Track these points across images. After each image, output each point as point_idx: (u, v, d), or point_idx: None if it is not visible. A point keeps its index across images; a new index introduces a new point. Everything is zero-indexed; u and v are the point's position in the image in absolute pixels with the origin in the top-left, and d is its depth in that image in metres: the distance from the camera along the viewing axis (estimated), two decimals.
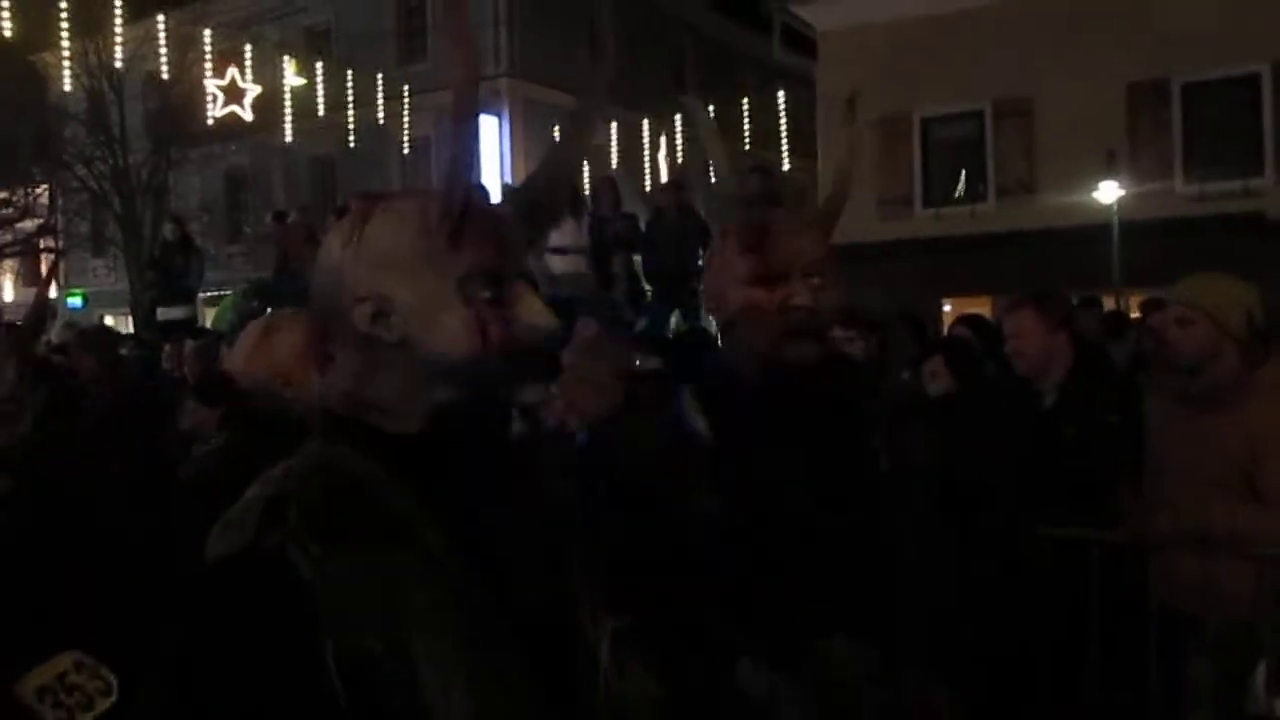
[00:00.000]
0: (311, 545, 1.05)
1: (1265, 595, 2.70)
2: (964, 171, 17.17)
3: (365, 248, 1.19)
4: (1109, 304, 10.37)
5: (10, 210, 25.95)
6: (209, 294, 12.09)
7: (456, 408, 1.17)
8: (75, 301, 27.21)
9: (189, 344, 6.71)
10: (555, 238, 8.41)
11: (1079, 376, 3.37)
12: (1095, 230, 14.16)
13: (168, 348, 7.36)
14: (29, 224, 26.31)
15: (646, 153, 21.83)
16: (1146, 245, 12.94)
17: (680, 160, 21.00)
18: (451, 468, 1.17)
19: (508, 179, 21.73)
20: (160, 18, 16.85)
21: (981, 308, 10.20)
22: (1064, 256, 12.79)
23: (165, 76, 17.84)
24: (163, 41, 16.89)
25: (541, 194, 1.34)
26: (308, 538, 1.06)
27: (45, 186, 25.72)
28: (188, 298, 10.35)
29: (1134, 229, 13.88)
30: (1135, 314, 10.11)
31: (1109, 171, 14.66)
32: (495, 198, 8.88)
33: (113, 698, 1.71)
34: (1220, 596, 2.78)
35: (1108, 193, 14.63)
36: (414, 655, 1.04)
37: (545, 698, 1.12)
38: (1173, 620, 2.92)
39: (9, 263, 29.02)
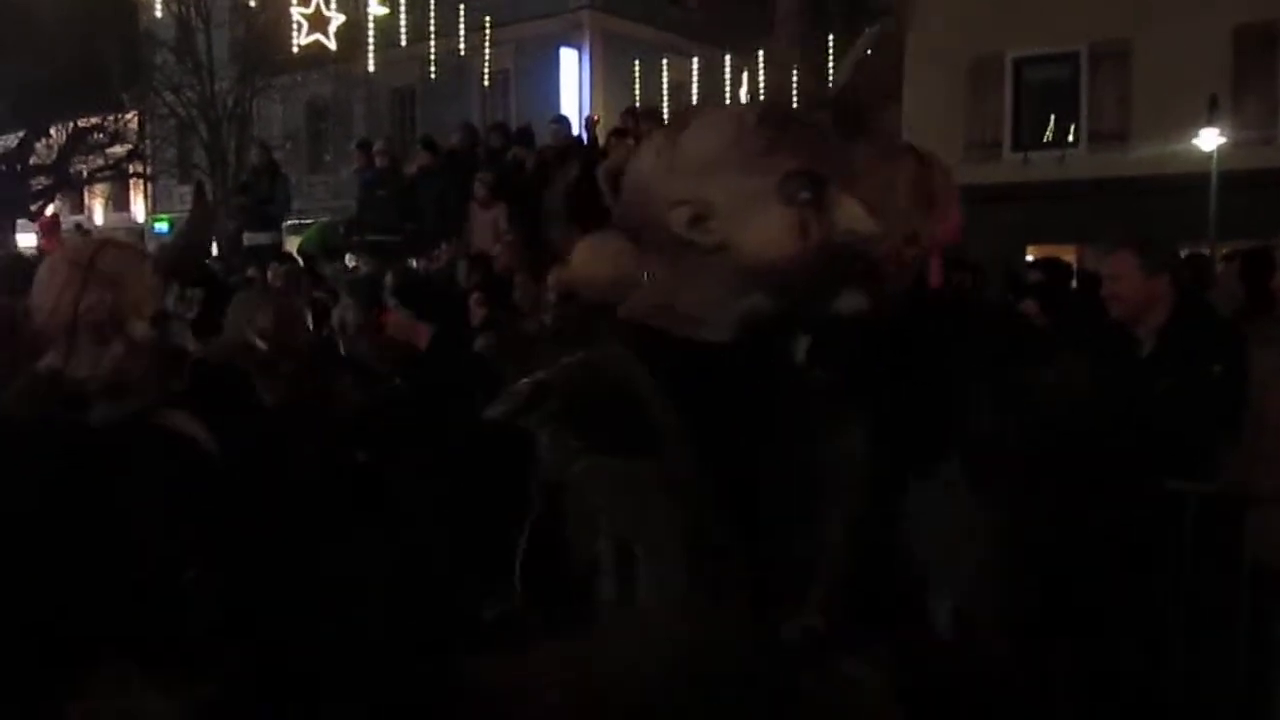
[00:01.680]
0: (566, 435, 1.09)
1: None
2: (1054, 116, 16.66)
3: (681, 155, 1.18)
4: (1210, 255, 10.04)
5: (101, 135, 26.54)
6: (290, 222, 12.24)
7: (771, 316, 1.16)
8: (162, 227, 27.85)
9: (275, 267, 6.84)
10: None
11: (1179, 324, 3.26)
12: (1192, 180, 13.67)
13: None
14: (119, 149, 26.89)
15: (728, 89, 21.49)
16: (1246, 196, 12.46)
17: (762, 97, 20.64)
18: (742, 380, 1.16)
19: (587, 111, 21.59)
20: None
21: (1069, 256, 9.95)
22: (1159, 206, 12.37)
23: (252, 3, 17.98)
24: None
25: (858, 97, 1.35)
26: (564, 427, 1.09)
27: (135, 113, 26.22)
28: (274, 223, 10.51)
29: (1233, 179, 13.37)
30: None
31: (1210, 118, 14.09)
32: (575, 129, 8.85)
33: None
34: None
35: (1208, 140, 14.09)
36: (638, 570, 1.07)
37: (757, 646, 1.12)
38: (1265, 578, 2.85)
39: (100, 187, 29.75)
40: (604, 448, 1.08)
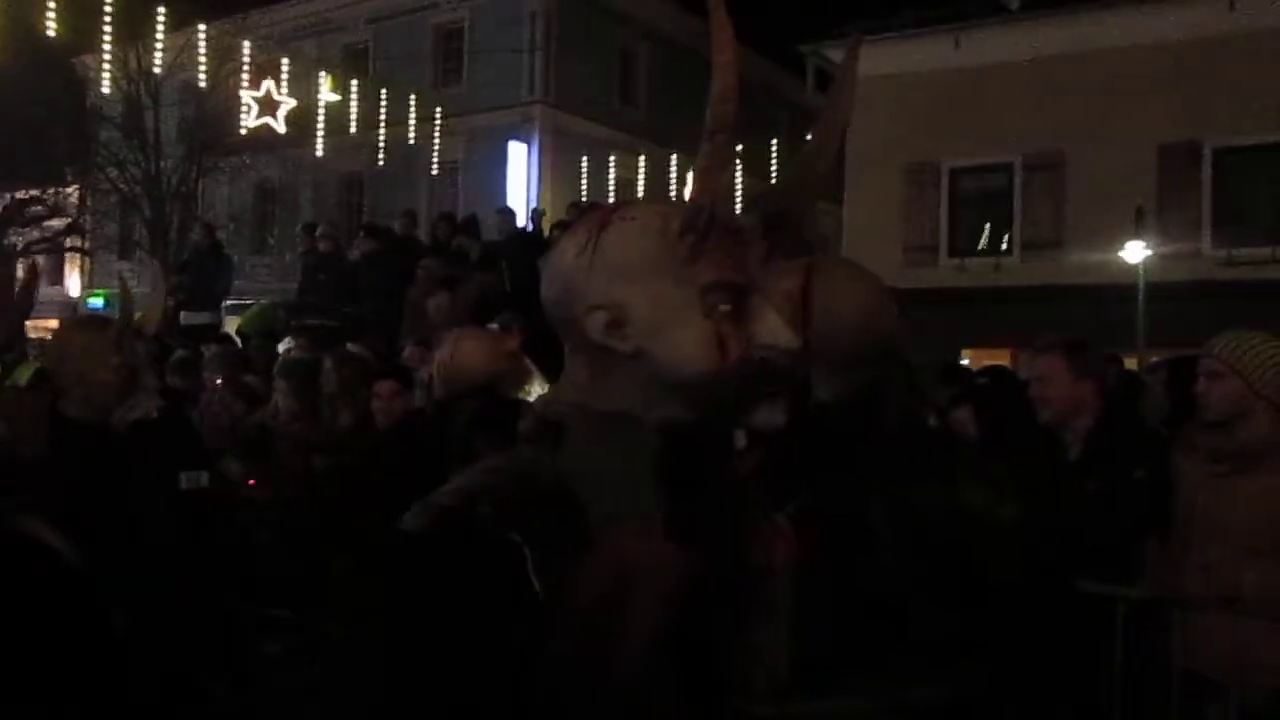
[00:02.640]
0: (507, 532, 1.06)
1: None
2: (989, 224, 17.16)
3: (601, 256, 1.15)
4: (1131, 364, 10.29)
5: (40, 208, 26.21)
6: (230, 302, 12.13)
7: (686, 426, 1.12)
8: (97, 302, 27.38)
9: (211, 348, 6.72)
10: None
11: (1105, 428, 3.31)
12: (1121, 289, 14.09)
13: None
14: (57, 223, 26.55)
15: (674, 187, 21.89)
16: (1172, 306, 12.87)
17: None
18: (671, 485, 1.12)
19: (534, 204, 21.84)
20: (201, 27, 17.06)
21: (1001, 360, 10.14)
22: (1088, 314, 12.70)
23: (202, 85, 18.03)
24: (202, 51, 17.08)
25: (785, 204, 1.28)
26: (502, 526, 1.07)
27: (76, 187, 25.99)
28: (214, 303, 10.39)
29: (1160, 290, 13.81)
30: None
31: (1137, 231, 14.61)
32: (521, 221, 8.89)
33: None
34: (1248, 664, 2.71)
35: (1134, 252, 14.58)
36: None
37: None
38: (1197, 685, 2.85)
39: (37, 260, 29.28)
40: (540, 544, 1.06)
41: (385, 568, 1.13)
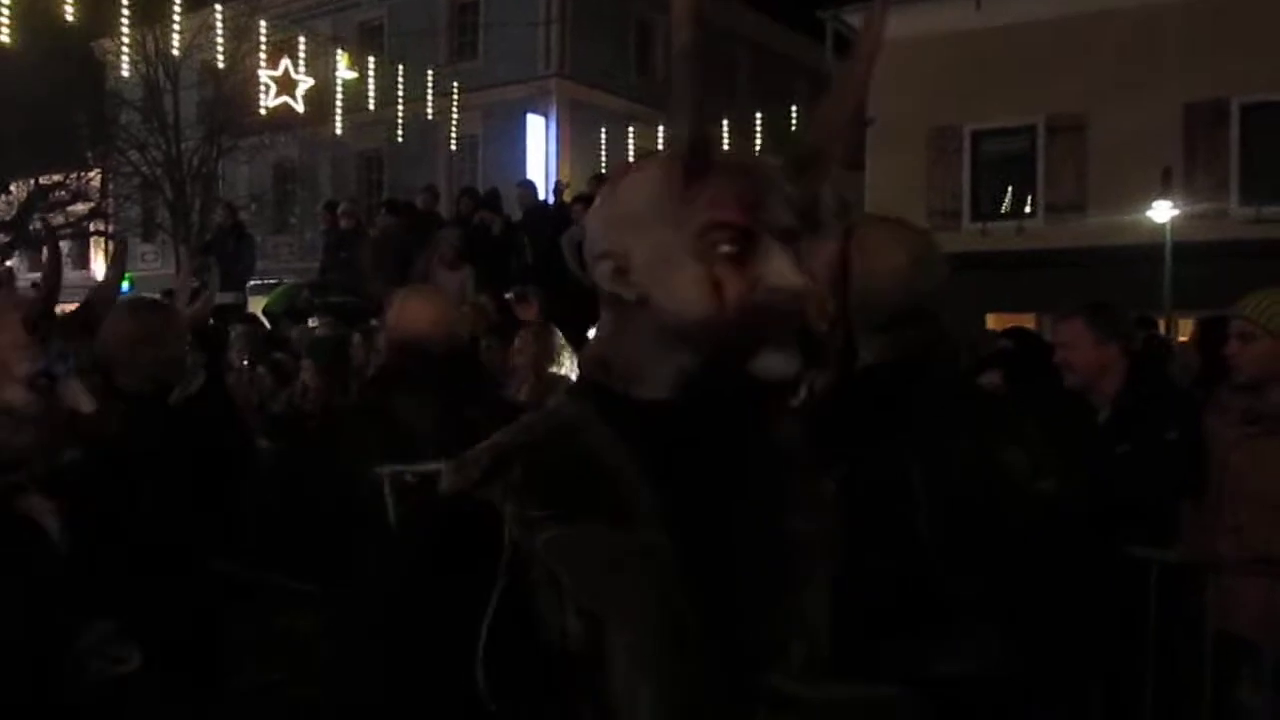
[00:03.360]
0: (530, 506, 1.04)
1: None
2: (1011, 187, 17.02)
3: (612, 207, 1.16)
4: (1160, 326, 10.21)
5: (63, 193, 26.37)
6: (254, 282, 12.19)
7: (701, 375, 1.10)
8: (123, 285, 27.59)
9: (237, 328, 6.77)
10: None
11: (1134, 391, 3.29)
12: (1147, 250, 13.95)
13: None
14: (80, 207, 26.72)
15: None
16: (1199, 268, 12.74)
17: None
18: (696, 443, 1.10)
19: (554, 177, 21.79)
20: (218, 8, 17.09)
21: (1025, 325, 10.07)
22: (1113, 276, 12.58)
23: (220, 66, 18.07)
24: (219, 31, 17.11)
25: (815, 145, 1.24)
26: (528, 498, 1.04)
27: (98, 171, 26.12)
28: (238, 284, 10.45)
29: (1187, 251, 13.68)
30: (1183, 338, 9.94)
31: (1163, 191, 14.45)
32: (542, 195, 8.91)
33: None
34: None
35: (1161, 212, 14.42)
36: (608, 643, 1.02)
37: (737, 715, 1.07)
38: (1229, 646, 2.84)
39: (61, 244, 29.49)
40: (569, 518, 1.04)
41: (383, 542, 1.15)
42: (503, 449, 1.10)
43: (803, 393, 1.50)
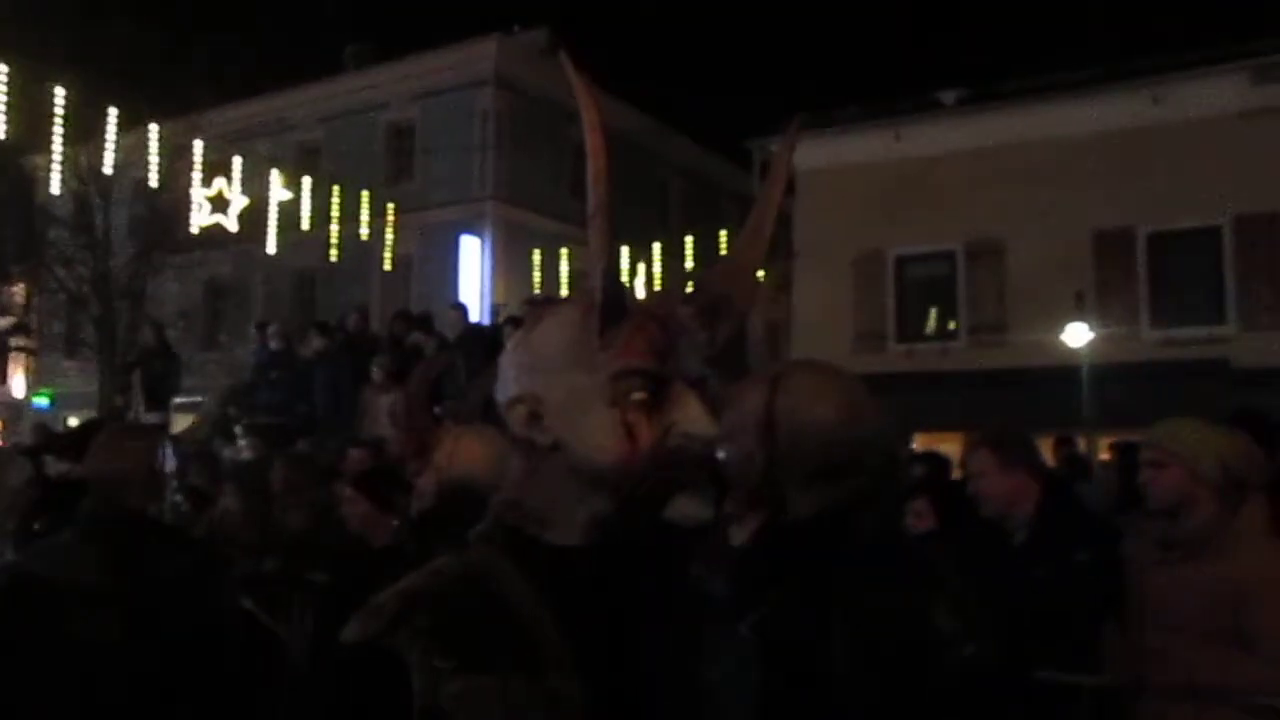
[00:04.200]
0: (437, 656, 1.02)
1: None
2: (934, 310, 17.50)
3: (525, 352, 1.16)
4: (1081, 445, 10.45)
5: None
6: (179, 400, 11.96)
7: (615, 520, 1.09)
8: (42, 402, 26.87)
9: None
10: None
11: (1047, 514, 3.36)
12: (1066, 371, 14.38)
13: None
14: (2, 322, 26.16)
15: (625, 279, 22.12)
16: (1115, 388, 13.14)
17: (658, 287, 21.27)
18: (608, 588, 1.09)
19: (488, 298, 21.91)
20: (153, 127, 17.12)
21: (952, 445, 10.25)
22: (1035, 396, 12.95)
23: (154, 184, 18.03)
24: (154, 150, 17.11)
25: (720, 292, 1.25)
26: (434, 647, 1.03)
27: (22, 285, 25.68)
28: (162, 402, 10.26)
29: (1103, 372, 14.11)
30: (1103, 455, 10.19)
31: (1078, 314, 14.98)
32: (474, 316, 8.98)
33: None
34: None
35: (1076, 335, 14.92)
36: None
37: None
38: None
39: None
40: (476, 667, 1.02)
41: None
42: (410, 595, 1.08)
43: (723, 537, 1.49)
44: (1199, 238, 15.55)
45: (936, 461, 4.93)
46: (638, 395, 1.10)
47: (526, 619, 1.07)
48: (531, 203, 24.13)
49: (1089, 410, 13.83)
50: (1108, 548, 3.20)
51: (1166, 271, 15.75)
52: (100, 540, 2.81)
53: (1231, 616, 2.79)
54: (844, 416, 1.81)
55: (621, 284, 1.15)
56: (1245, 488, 2.98)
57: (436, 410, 8.12)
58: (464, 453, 2.90)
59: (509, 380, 1.17)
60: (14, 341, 27.00)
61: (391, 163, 25.23)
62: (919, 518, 3.90)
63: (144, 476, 3.00)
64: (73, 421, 19.70)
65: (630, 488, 1.09)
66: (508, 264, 23.34)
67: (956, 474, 5.35)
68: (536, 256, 21.70)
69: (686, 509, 1.11)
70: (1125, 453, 5.32)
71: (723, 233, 22.75)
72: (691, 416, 1.11)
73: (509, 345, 1.21)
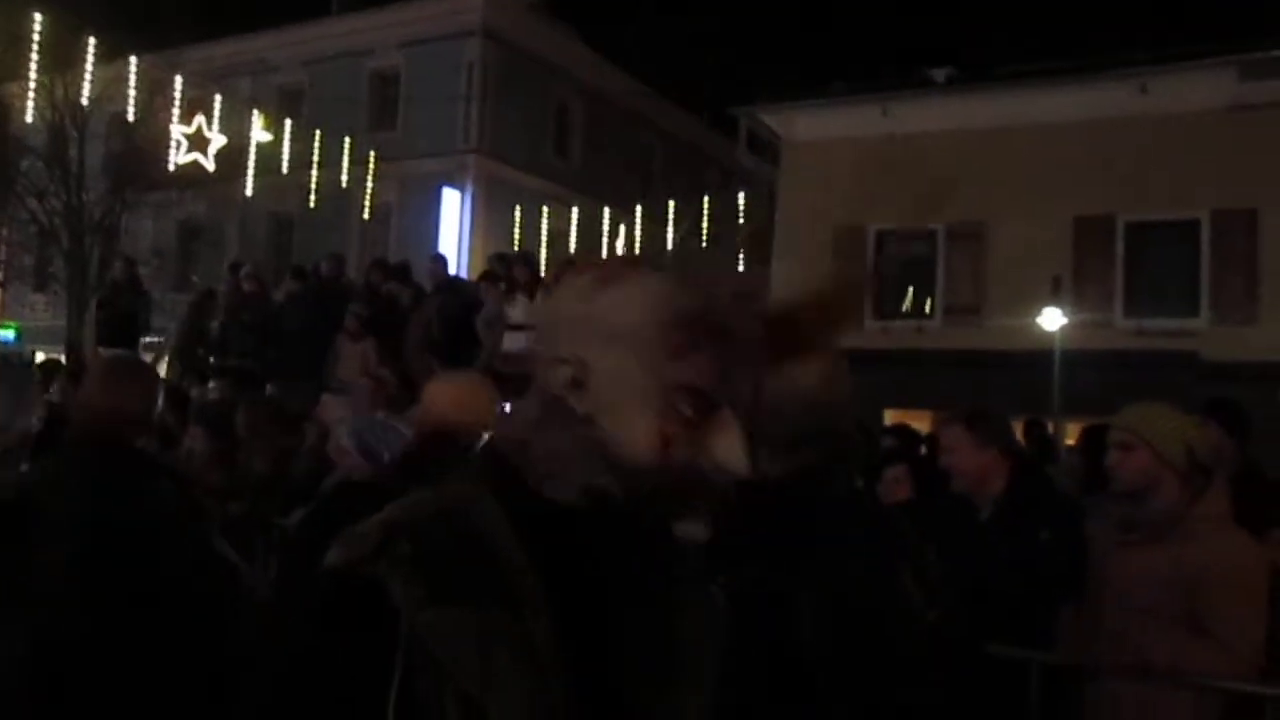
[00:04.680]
0: (415, 584, 1.02)
1: None
2: (912, 288, 17.55)
3: (593, 310, 1.11)
4: (1049, 429, 10.53)
5: None
6: (148, 339, 11.84)
7: (615, 499, 1.09)
8: (7, 334, 26.52)
9: None
10: (515, 315, 8.45)
11: (1014, 493, 3.39)
12: (1038, 355, 14.46)
13: None
14: None
15: (605, 239, 22.06)
16: (1086, 374, 13.24)
17: (638, 250, 21.25)
18: (592, 547, 1.10)
19: (466, 252, 21.80)
20: (133, 59, 16.83)
21: (922, 422, 10.33)
22: (1007, 379, 13.02)
23: (131, 118, 17.75)
24: (132, 83, 16.84)
25: (796, 322, 1.25)
26: (413, 575, 1.02)
27: None
28: (131, 340, 10.15)
29: (1075, 358, 14.21)
30: (1070, 441, 10.29)
31: (1054, 299, 15.06)
32: (454, 267, 8.94)
33: None
34: None
35: (1051, 320, 15.01)
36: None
37: None
38: None
39: None
40: (452, 599, 1.01)
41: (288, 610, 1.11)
42: (392, 524, 1.06)
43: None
44: (1177, 230, 15.65)
45: (907, 434, 4.95)
46: (688, 411, 1.08)
47: (506, 560, 1.06)
48: (514, 158, 23.96)
49: (1059, 395, 13.95)
50: (1072, 528, 3.22)
51: (1143, 261, 15.86)
52: (80, 468, 2.76)
53: (1188, 600, 2.82)
54: (823, 386, 1.83)
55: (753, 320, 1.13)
56: (1210, 475, 3.01)
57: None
58: (442, 396, 2.97)
59: (553, 333, 1.13)
60: None
61: (374, 111, 24.94)
62: (897, 484, 3.92)
63: (142, 411, 2.93)
64: (40, 357, 19.48)
65: (647, 489, 1.08)
66: (488, 218, 23.20)
67: (922, 450, 5.41)
68: (517, 213, 21.60)
69: (690, 530, 1.11)
70: (1092, 436, 5.36)
71: (705, 198, 22.74)
72: (729, 449, 1.10)
73: (568, 293, 1.15)
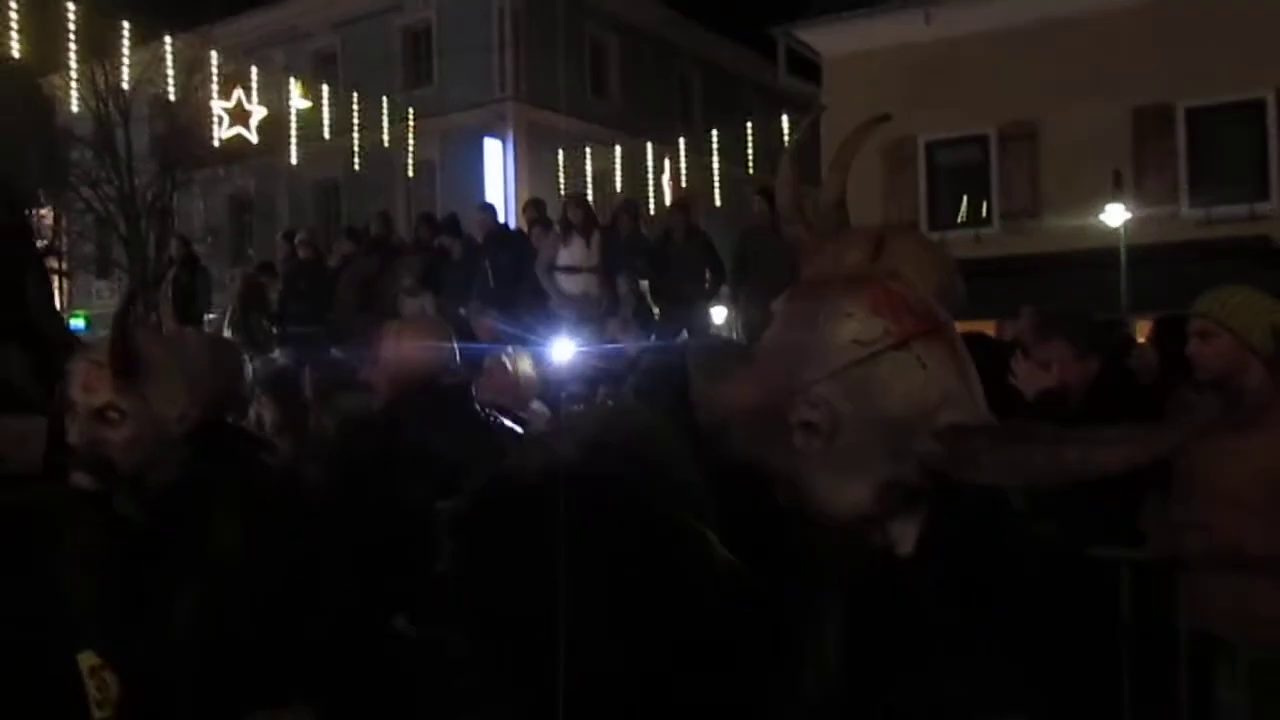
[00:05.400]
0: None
1: None
2: (967, 196, 17.20)
3: (869, 377, 1.21)
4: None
5: None
6: (211, 316, 12.02)
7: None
8: (78, 323, 27.18)
9: None
10: (565, 257, 8.42)
11: (1098, 390, 3.32)
12: (1101, 254, 14.12)
13: None
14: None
15: (650, 176, 21.86)
16: (1153, 270, 12.90)
17: (684, 183, 21.03)
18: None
19: (513, 200, 21.76)
20: (167, 40, 16.93)
21: (986, 331, 10.16)
22: (1070, 281, 12.74)
23: (171, 99, 17.90)
24: (170, 64, 16.96)
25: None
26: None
27: (50, 209, 25.77)
28: (195, 318, 10.30)
29: (1140, 253, 13.85)
30: (1140, 339, 10.05)
31: (1115, 195, 14.65)
32: (501, 216, 8.91)
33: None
34: (1253, 621, 2.71)
35: (1114, 216, 14.62)
36: None
37: None
38: (1204, 645, 2.84)
39: None
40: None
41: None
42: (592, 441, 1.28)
43: None
44: (1241, 111, 15.07)
45: (981, 345, 4.84)
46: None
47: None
48: (553, 102, 23.75)
49: (1127, 293, 13.62)
50: (1154, 420, 3.14)
51: (1207, 147, 15.31)
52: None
53: (1276, 486, 2.73)
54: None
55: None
56: None
57: (461, 311, 8.12)
58: (408, 349, 3.13)
59: (808, 359, 1.24)
60: (47, 264, 27.21)
61: (409, 67, 24.85)
62: None
63: (240, 387, 2.93)
64: None
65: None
66: (531, 165, 23.11)
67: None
68: (560, 157, 21.47)
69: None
70: (1165, 328, 5.22)
71: (749, 124, 22.33)
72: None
73: (850, 324, 1.25)
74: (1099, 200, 14.75)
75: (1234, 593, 2.79)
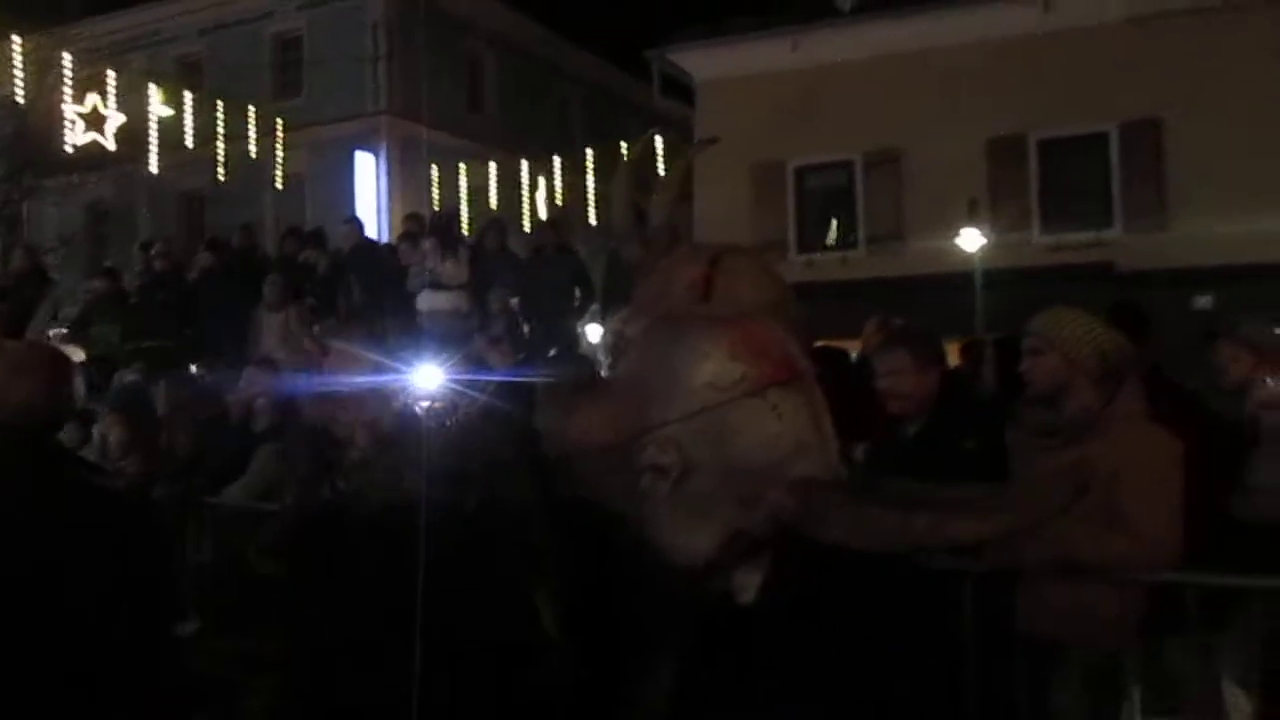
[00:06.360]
0: None
1: (1128, 623, 2.77)
2: (835, 219, 17.65)
3: (726, 422, 1.32)
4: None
5: None
6: (56, 331, 11.42)
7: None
8: None
9: None
10: (434, 273, 8.35)
11: (941, 405, 3.43)
12: (960, 278, 14.66)
13: None
14: None
15: (526, 194, 21.78)
16: (1006, 293, 13.43)
17: (558, 201, 21.02)
18: None
19: (385, 215, 21.42)
20: (15, 39, 16.11)
21: (850, 350, 10.43)
22: (930, 303, 13.17)
23: (20, 100, 17.02)
24: (18, 64, 16.12)
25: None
26: None
27: None
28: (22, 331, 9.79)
29: (995, 277, 14.43)
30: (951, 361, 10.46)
31: (971, 220, 15.25)
32: (370, 231, 8.82)
33: None
34: (1086, 624, 2.84)
35: (970, 241, 15.20)
36: None
37: None
38: (1041, 650, 2.97)
39: None
40: None
41: None
42: None
43: None
44: (1087, 144, 15.89)
45: (827, 357, 4.95)
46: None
47: None
48: (427, 116, 23.49)
49: (982, 315, 14.17)
50: (994, 436, 3.27)
51: (1057, 177, 16.10)
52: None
53: (1105, 496, 2.88)
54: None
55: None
56: (1121, 375, 3.07)
57: (315, 329, 7.96)
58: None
59: (671, 394, 1.35)
60: None
61: (279, 76, 24.24)
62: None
63: (54, 402, 2.66)
64: None
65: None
66: (404, 179, 22.78)
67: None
68: (434, 171, 21.21)
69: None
70: (1001, 347, 5.47)
71: (624, 145, 22.43)
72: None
73: (688, 348, 1.33)
74: (959, 225, 15.33)
75: (1070, 598, 2.92)
